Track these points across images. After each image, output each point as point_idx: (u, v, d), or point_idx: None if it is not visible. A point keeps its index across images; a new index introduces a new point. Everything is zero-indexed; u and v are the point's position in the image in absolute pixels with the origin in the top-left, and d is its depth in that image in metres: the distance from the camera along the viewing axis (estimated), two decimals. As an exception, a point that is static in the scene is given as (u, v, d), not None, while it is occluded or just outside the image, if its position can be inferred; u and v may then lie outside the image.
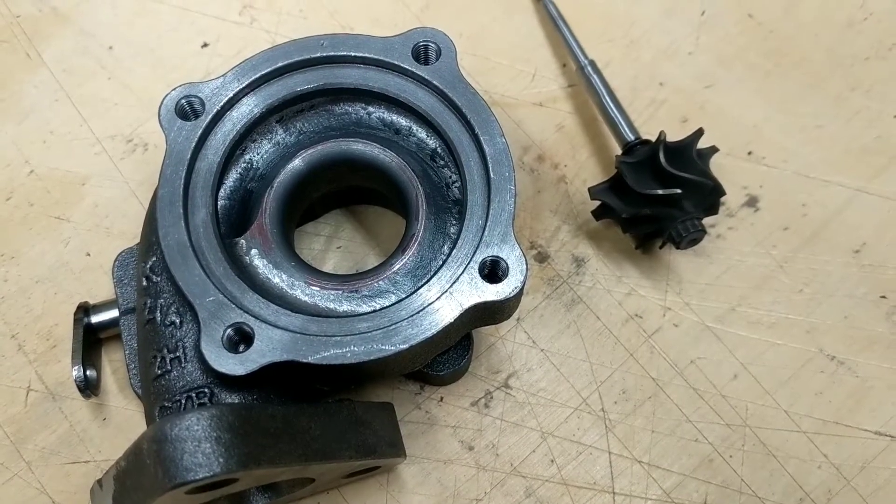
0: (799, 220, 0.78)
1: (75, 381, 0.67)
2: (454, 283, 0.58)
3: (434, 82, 0.64)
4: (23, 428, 0.71)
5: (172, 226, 0.60)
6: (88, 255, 0.77)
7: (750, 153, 0.80)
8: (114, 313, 0.70)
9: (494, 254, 0.59)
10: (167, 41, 0.86)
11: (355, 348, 0.56)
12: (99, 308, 0.70)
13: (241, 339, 0.57)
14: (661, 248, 0.74)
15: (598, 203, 0.74)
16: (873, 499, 0.69)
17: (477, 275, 0.58)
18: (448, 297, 0.58)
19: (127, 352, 0.67)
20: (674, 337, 0.74)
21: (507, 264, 0.59)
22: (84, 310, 0.70)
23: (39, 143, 0.81)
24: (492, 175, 0.61)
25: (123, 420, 0.71)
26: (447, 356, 0.69)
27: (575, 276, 0.76)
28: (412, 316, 0.58)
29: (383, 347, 0.56)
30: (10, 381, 0.73)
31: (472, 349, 0.70)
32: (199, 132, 0.62)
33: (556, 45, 0.85)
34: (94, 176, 0.80)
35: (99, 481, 0.59)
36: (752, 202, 0.78)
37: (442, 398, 0.72)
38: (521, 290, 0.58)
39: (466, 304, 0.58)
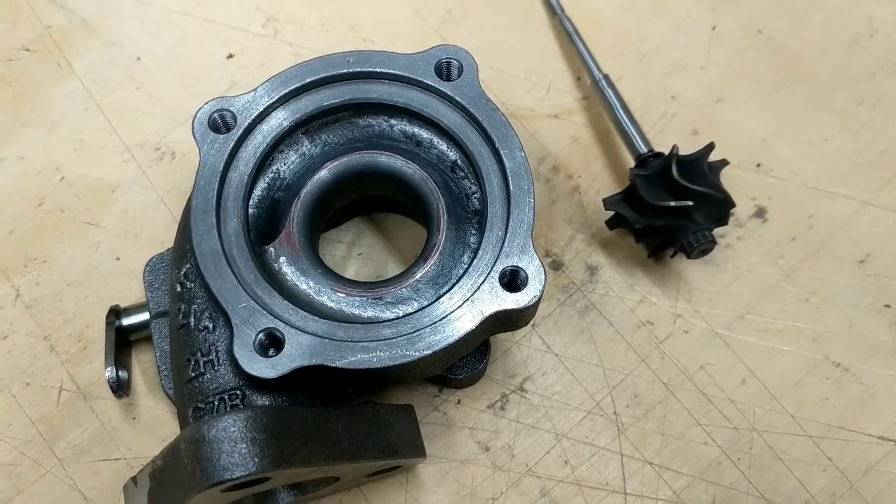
0: (806, 231, 0.80)
1: (108, 381, 0.70)
2: (475, 291, 0.61)
3: (456, 98, 0.67)
4: (55, 426, 0.74)
5: (206, 234, 0.62)
6: (118, 259, 0.79)
7: (759, 165, 0.82)
8: (144, 316, 0.73)
9: (514, 264, 0.61)
10: (193, 52, 0.88)
11: (381, 353, 0.59)
12: (129, 311, 0.73)
13: (271, 343, 0.59)
14: (672, 257, 0.77)
15: (611, 213, 0.77)
16: (877, 502, 0.71)
17: (497, 284, 0.61)
18: (469, 305, 0.60)
19: (158, 354, 0.70)
20: (684, 343, 0.76)
21: (526, 274, 0.61)
22: (115, 313, 0.73)
23: (70, 150, 0.84)
24: (511, 188, 0.64)
25: (153, 419, 0.74)
26: (465, 360, 0.71)
27: (588, 284, 0.78)
28: (435, 323, 0.60)
29: (407, 353, 0.59)
30: (44, 382, 0.75)
31: (490, 354, 0.72)
32: (231, 145, 0.65)
33: (570, 59, 0.88)
34: (124, 183, 0.82)
35: (133, 479, 0.62)
36: (760, 213, 0.81)
37: (459, 401, 0.75)
38: (540, 298, 0.61)
39: (487, 312, 0.60)
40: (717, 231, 0.77)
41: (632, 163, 0.78)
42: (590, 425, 0.74)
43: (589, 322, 0.77)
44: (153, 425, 0.74)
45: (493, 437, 0.73)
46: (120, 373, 0.71)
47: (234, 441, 0.52)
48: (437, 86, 0.67)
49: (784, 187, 0.82)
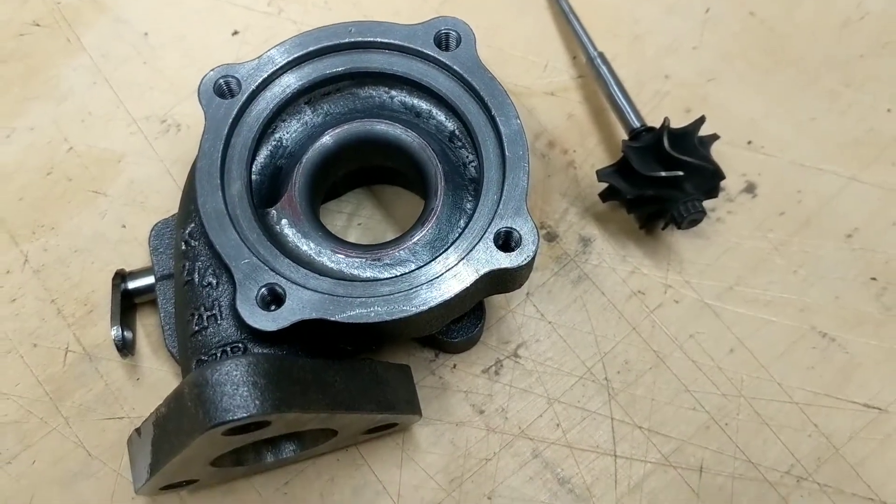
0: (794, 206, 0.82)
1: (114, 340, 0.72)
2: (470, 251, 0.63)
3: (454, 67, 0.69)
4: (61, 387, 0.76)
5: (210, 195, 0.64)
6: (124, 227, 0.81)
7: (749, 143, 0.85)
8: (149, 280, 0.75)
9: (508, 225, 0.63)
10: (199, 29, 0.91)
11: (378, 308, 0.61)
12: (135, 275, 0.75)
13: (273, 298, 0.61)
14: (663, 229, 0.79)
15: (604, 186, 0.79)
16: (860, 467, 0.73)
17: (492, 244, 0.63)
18: (465, 264, 0.62)
19: (162, 314, 0.72)
20: (674, 313, 0.78)
21: (520, 234, 0.63)
22: (121, 276, 0.75)
23: (78, 122, 0.86)
24: (507, 153, 0.66)
25: (156, 380, 0.76)
26: (461, 324, 0.73)
27: (582, 255, 0.80)
28: (431, 281, 0.62)
29: (404, 308, 0.61)
30: (50, 343, 0.77)
31: (485, 319, 0.74)
32: (236, 109, 0.67)
33: (566, 39, 0.90)
34: (130, 154, 0.85)
35: (137, 430, 0.64)
36: (750, 188, 0.83)
37: (455, 365, 0.77)
38: (533, 258, 0.63)
39: (482, 271, 0.62)
40: (707, 205, 0.79)
41: (626, 138, 0.80)
42: (581, 390, 0.76)
43: (582, 291, 0.79)
44: (156, 386, 0.76)
45: (487, 400, 0.75)
46: (125, 333, 0.73)
47: (236, 384, 0.54)
48: (435, 55, 0.69)
49: (773, 164, 0.84)
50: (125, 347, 0.72)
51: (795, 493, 0.73)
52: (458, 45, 0.70)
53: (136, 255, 0.80)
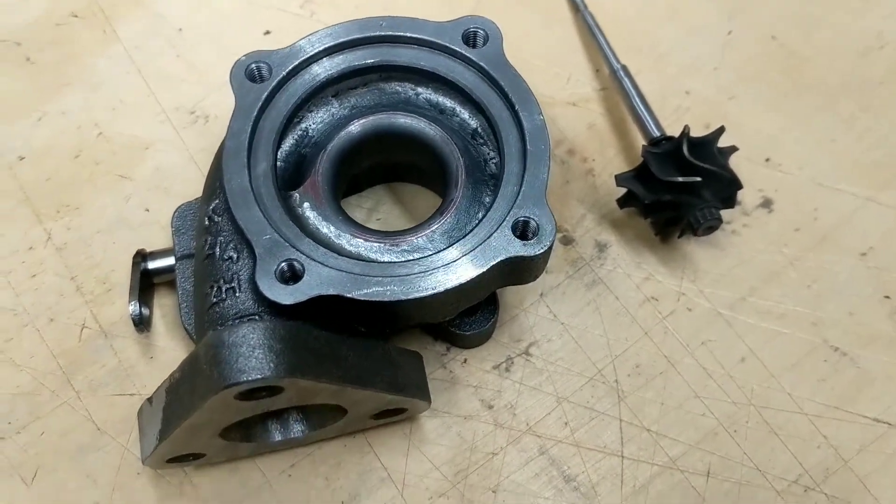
0: (810, 223, 0.83)
1: (131, 315, 0.73)
2: (488, 238, 0.64)
3: (481, 63, 0.71)
4: (75, 361, 0.77)
5: (237, 173, 0.66)
6: (147, 210, 0.83)
7: (767, 160, 0.86)
8: (169, 261, 0.76)
9: (527, 215, 0.64)
10: (232, 27, 0.93)
11: (394, 287, 0.62)
12: (155, 255, 0.76)
13: (291, 273, 0.62)
14: (679, 237, 0.79)
15: (622, 192, 0.80)
16: (868, 479, 0.73)
17: (510, 232, 0.64)
18: (481, 250, 0.63)
19: (180, 293, 0.73)
20: (687, 320, 0.79)
21: (538, 224, 0.64)
22: (142, 256, 0.76)
23: (109, 109, 0.88)
24: (529, 147, 0.67)
25: (169, 359, 0.76)
26: (474, 318, 0.74)
27: (597, 260, 0.81)
28: (447, 265, 0.63)
29: (419, 289, 0.62)
30: (67, 319, 0.78)
31: (498, 314, 0.75)
32: (266, 94, 0.69)
33: (590, 53, 0.92)
34: (158, 142, 0.86)
35: (149, 399, 0.65)
36: (766, 204, 0.84)
37: (466, 360, 0.77)
38: (550, 248, 0.64)
39: (498, 258, 0.63)
40: (724, 217, 0.79)
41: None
42: (591, 391, 0.76)
43: (595, 295, 0.80)
44: (170, 364, 0.76)
45: (496, 396, 0.76)
46: (142, 309, 0.74)
47: (252, 347, 0.54)
48: (463, 52, 0.71)
49: (791, 181, 0.85)
50: (141, 323, 0.73)
51: (803, 502, 0.72)
52: (485, 44, 0.72)
53: (158, 239, 0.81)
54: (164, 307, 0.79)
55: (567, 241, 0.82)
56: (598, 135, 0.87)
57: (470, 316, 0.74)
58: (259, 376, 0.54)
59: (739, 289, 0.80)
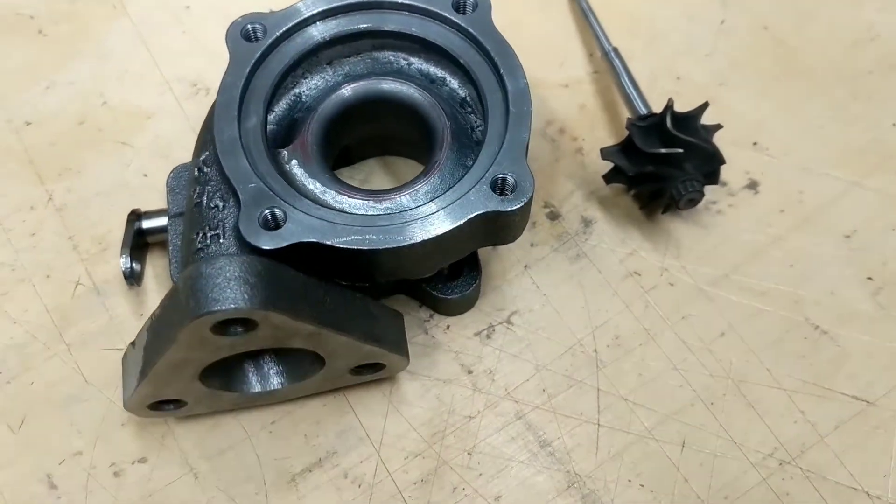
0: (795, 204, 0.84)
1: (122, 268, 0.75)
2: (467, 193, 0.65)
3: (469, 29, 0.73)
4: (67, 316, 0.79)
5: (227, 125, 0.68)
6: (146, 175, 0.85)
7: (755, 144, 0.87)
8: (162, 221, 0.78)
9: (506, 172, 0.66)
10: (238, 5, 0.95)
11: (373, 237, 0.63)
12: (150, 215, 0.78)
13: (274, 221, 0.64)
14: (663, 212, 0.81)
15: (608, 170, 0.81)
16: (844, 455, 0.73)
17: (488, 188, 0.65)
18: (460, 203, 0.65)
19: (171, 248, 0.75)
20: (668, 294, 0.79)
21: (515, 181, 0.65)
22: (137, 215, 0.78)
23: (114, 79, 0.91)
24: (511, 109, 0.69)
25: (159, 315, 0.78)
26: (457, 282, 0.75)
27: (582, 235, 0.82)
28: (426, 216, 0.65)
29: (398, 238, 0.64)
30: (62, 275, 0.80)
31: (481, 279, 0.76)
32: (260, 52, 0.71)
33: (585, 38, 0.94)
34: (160, 112, 0.89)
35: (132, 342, 0.66)
36: (752, 185, 0.85)
37: (448, 326, 0.78)
38: (528, 205, 0.65)
39: (476, 212, 0.64)
40: (709, 198, 0.81)
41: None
42: (570, 360, 0.77)
43: (579, 268, 0.81)
44: (158, 320, 0.78)
45: (476, 361, 0.77)
46: (133, 263, 0.76)
47: (227, 279, 0.56)
48: (452, 17, 0.73)
49: (777, 165, 0.86)
50: (132, 276, 0.75)
51: (777, 475, 0.72)
52: (474, 10, 0.74)
53: (155, 203, 0.82)
54: (156, 267, 0.80)
55: (554, 216, 0.83)
56: (588, 115, 0.89)
57: (453, 280, 0.75)
58: (233, 306, 0.55)
59: (722, 266, 0.81)
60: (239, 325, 0.58)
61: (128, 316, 0.79)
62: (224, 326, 0.57)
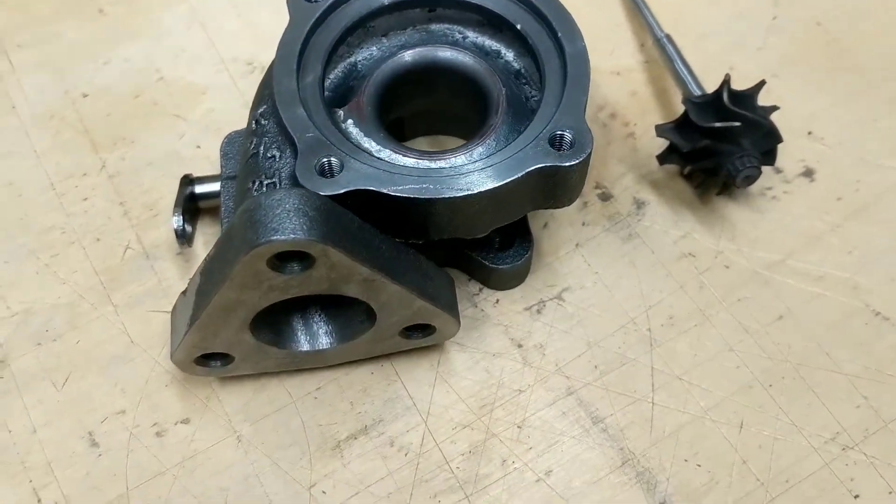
0: (852, 193, 0.82)
1: (174, 226, 0.75)
2: (524, 148, 0.65)
3: (527, -6, 0.73)
4: (116, 278, 0.78)
5: (286, 77, 0.68)
6: (198, 147, 0.86)
7: (810, 133, 0.86)
8: (215, 186, 0.78)
9: (563, 129, 0.65)
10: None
11: (428, 186, 0.63)
12: (203, 180, 0.79)
13: (331, 169, 0.64)
14: (718, 194, 0.79)
15: (662, 150, 0.80)
16: (910, 441, 0.70)
17: (546, 143, 0.65)
18: (518, 157, 0.64)
19: (223, 210, 0.75)
20: (724, 277, 0.78)
21: (573, 137, 0.65)
22: (189, 179, 0.79)
23: (171, 57, 0.92)
24: (569, 69, 0.69)
25: (206, 279, 0.77)
26: (509, 252, 0.74)
27: (634, 216, 0.81)
28: (482, 169, 0.64)
29: (453, 188, 0.63)
30: (112, 239, 0.80)
31: (532, 250, 0.75)
32: (320, 12, 0.72)
33: (635, 28, 0.94)
34: (214, 88, 0.90)
35: (184, 291, 0.66)
36: (808, 173, 0.83)
37: (498, 300, 0.77)
38: (586, 162, 0.64)
39: (534, 165, 0.64)
40: (764, 182, 0.80)
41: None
42: (623, 338, 0.75)
43: (631, 248, 0.79)
44: (206, 284, 0.77)
45: (526, 336, 0.75)
46: (185, 224, 0.75)
47: (287, 211, 0.55)
48: (509, -17, 0.74)
49: (832, 154, 0.84)
50: (184, 236, 0.75)
51: (840, 460, 0.69)
52: (531, -23, 0.74)
53: (206, 172, 0.83)
54: (206, 234, 0.80)
55: (605, 196, 0.82)
56: (639, 102, 0.88)
57: (504, 250, 0.74)
58: (293, 237, 0.54)
59: (778, 251, 0.79)
60: (296, 262, 0.57)
61: (175, 280, 0.78)
62: (281, 263, 0.57)
